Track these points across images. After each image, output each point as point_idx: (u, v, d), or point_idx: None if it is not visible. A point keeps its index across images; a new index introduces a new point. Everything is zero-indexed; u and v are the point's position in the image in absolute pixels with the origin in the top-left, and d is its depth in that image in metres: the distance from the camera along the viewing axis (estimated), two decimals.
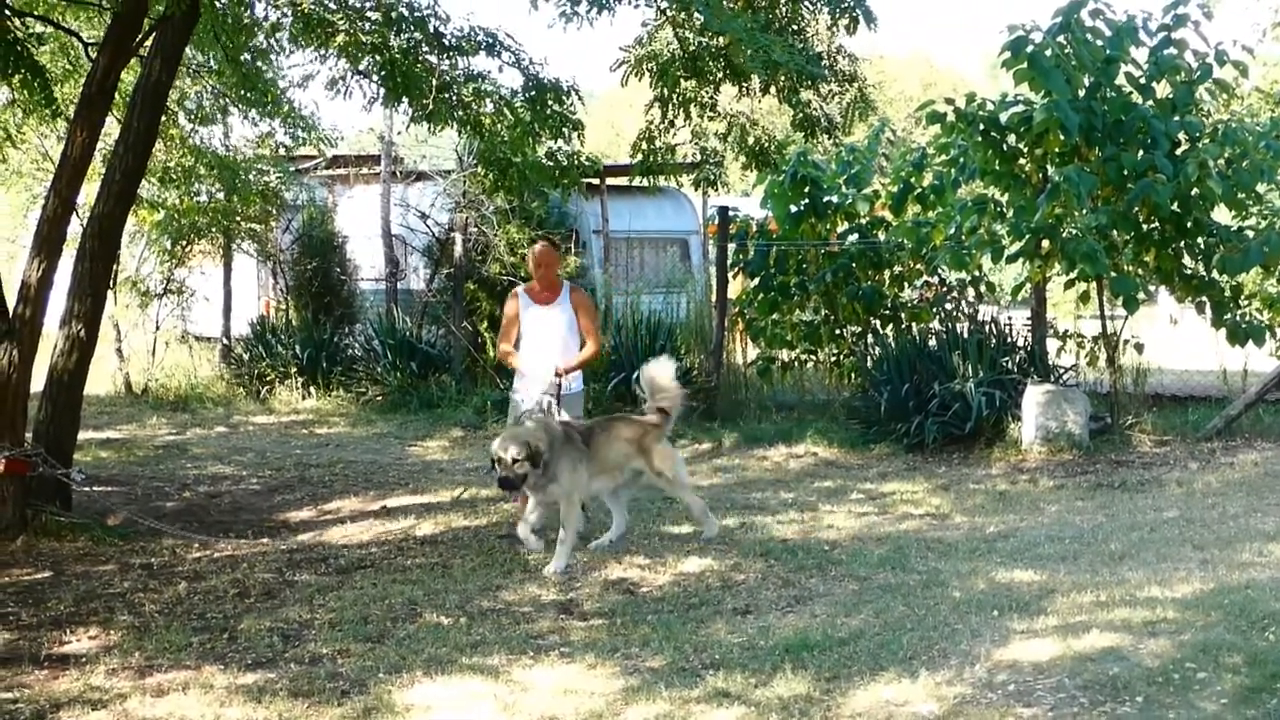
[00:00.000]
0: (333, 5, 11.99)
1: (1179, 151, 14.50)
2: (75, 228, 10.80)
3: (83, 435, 12.20)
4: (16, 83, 11.47)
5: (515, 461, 9.00)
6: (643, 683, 6.81)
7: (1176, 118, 14.64)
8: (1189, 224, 14.79)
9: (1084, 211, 14.16)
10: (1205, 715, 6.19)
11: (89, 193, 11.32)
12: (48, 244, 10.35)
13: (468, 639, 7.63)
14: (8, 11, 10.80)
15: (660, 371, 10.10)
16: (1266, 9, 28.06)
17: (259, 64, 15.20)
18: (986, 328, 16.11)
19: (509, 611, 8.24)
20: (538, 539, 9.55)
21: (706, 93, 15.28)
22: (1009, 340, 15.88)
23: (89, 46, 12.06)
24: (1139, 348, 16.21)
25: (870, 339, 17.10)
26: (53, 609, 8.38)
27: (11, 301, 10.26)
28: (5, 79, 11.17)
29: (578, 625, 7.94)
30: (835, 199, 17.12)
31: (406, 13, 12.09)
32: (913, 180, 16.57)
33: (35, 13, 13.00)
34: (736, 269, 17.80)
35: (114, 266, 11.29)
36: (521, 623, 8.00)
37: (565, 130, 13.13)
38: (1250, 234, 15.05)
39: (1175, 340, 17.57)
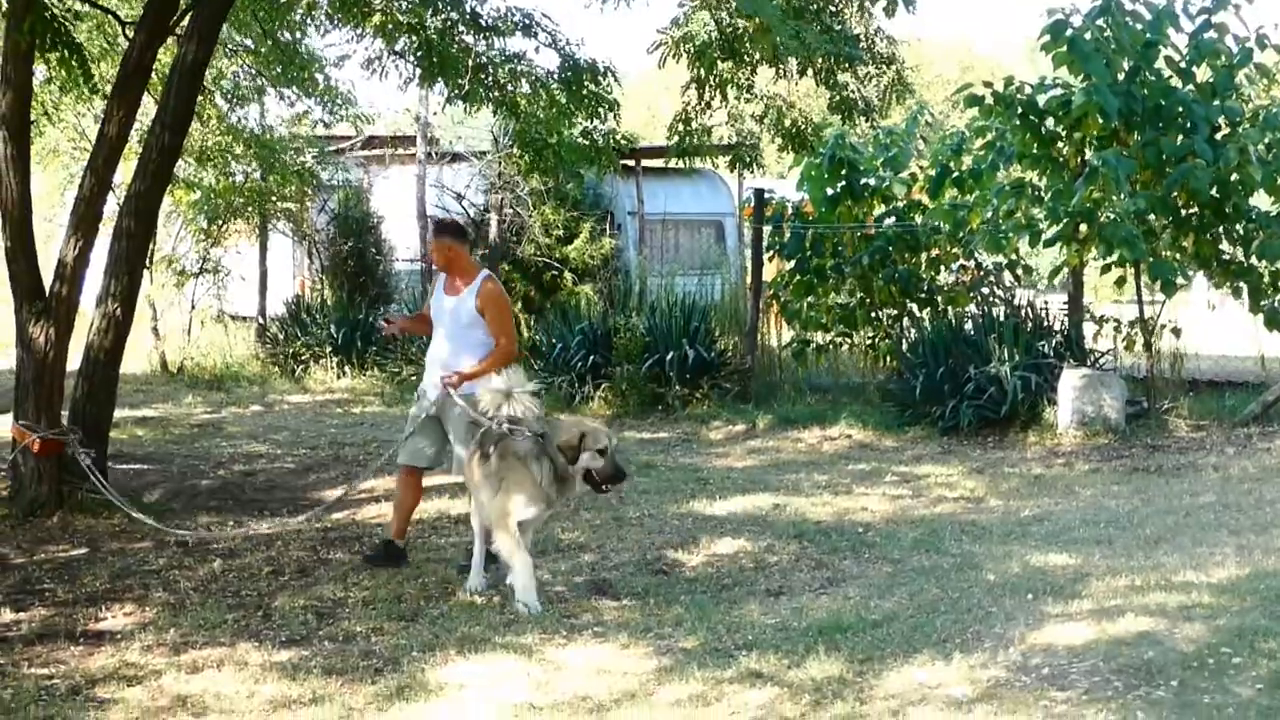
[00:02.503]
0: None
1: (1219, 136, 14.43)
2: (112, 206, 10.82)
3: (119, 414, 12.25)
4: (55, 60, 11.50)
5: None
6: (675, 663, 6.81)
7: (1216, 102, 14.56)
8: (1228, 209, 14.71)
9: (1122, 196, 14.09)
10: (1240, 700, 6.17)
11: (125, 172, 11.34)
12: (84, 223, 10.38)
13: (501, 618, 7.64)
14: None
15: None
16: None
17: (296, 42, 15.21)
18: (1023, 312, 16.07)
19: (543, 591, 8.24)
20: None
21: (743, 75, 15.26)
22: (1045, 324, 15.83)
23: (126, 25, 12.09)
24: (1176, 332, 16.14)
25: (906, 322, 17.07)
26: (88, 585, 8.42)
27: (48, 280, 10.30)
28: (43, 56, 11.18)
29: (611, 605, 7.94)
30: (872, 182, 17.05)
31: None
32: (950, 164, 16.49)
33: None
34: (772, 251, 17.77)
35: (150, 245, 11.33)
36: (555, 602, 8.01)
37: (601, 111, 13.11)
38: None
39: (1212, 326, 17.48)
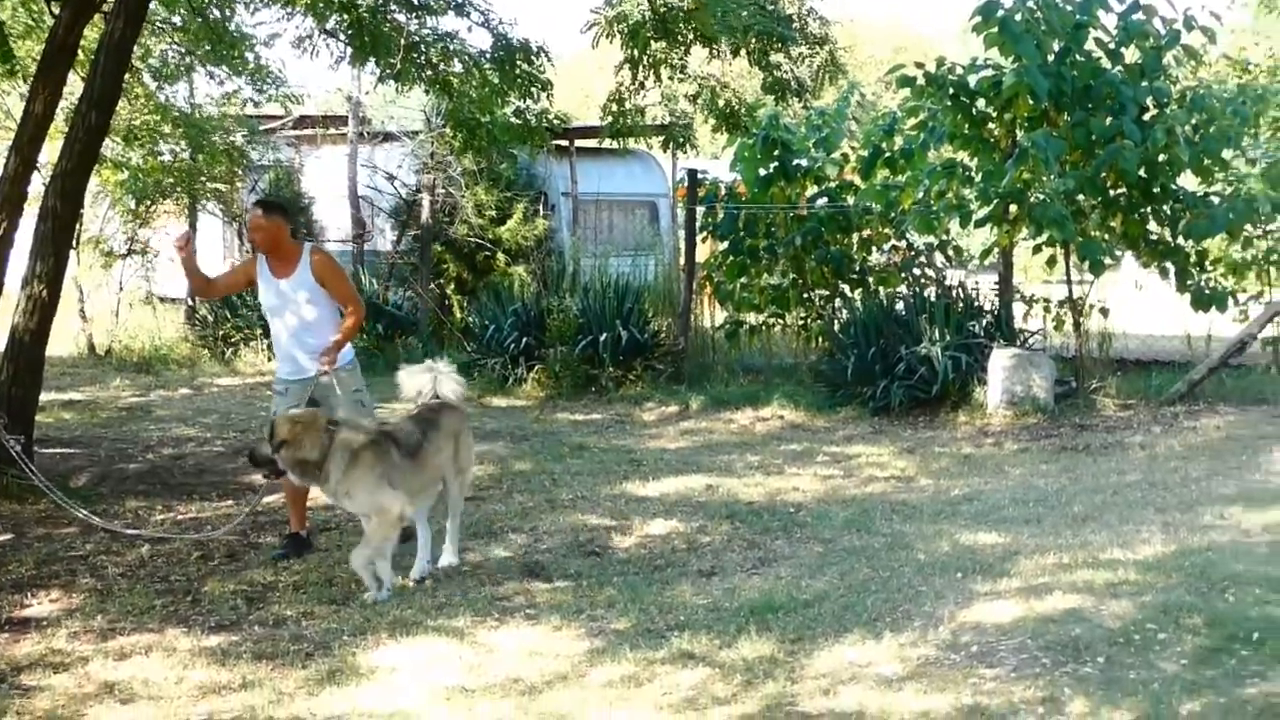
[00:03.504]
0: None
1: (1147, 117, 14.60)
2: (37, 186, 10.71)
3: (45, 397, 12.16)
4: None
5: None
6: (608, 644, 6.84)
7: (1145, 83, 14.72)
8: (1155, 190, 14.90)
9: (1052, 176, 14.22)
10: (1165, 675, 6.24)
11: (51, 151, 11.24)
12: (9, 203, 10.29)
13: (433, 601, 7.65)
14: None
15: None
16: None
17: (225, 20, 15.09)
18: (953, 292, 16.24)
19: (474, 574, 8.26)
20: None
21: (677, 55, 15.26)
22: (976, 304, 15.97)
23: (51, 2, 11.97)
24: (1104, 312, 16.32)
25: (838, 303, 17.17)
26: (13, 572, 8.36)
27: None
28: None
29: (543, 587, 7.96)
30: (804, 163, 17.13)
31: None
32: (882, 144, 16.57)
33: None
34: (705, 232, 17.82)
35: (77, 226, 11.23)
36: (487, 585, 8.03)
37: (534, 90, 13.11)
38: (1216, 200, 15.16)
39: (1140, 305, 17.64)
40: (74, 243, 12.54)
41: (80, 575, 8.28)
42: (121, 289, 22.43)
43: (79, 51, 10.81)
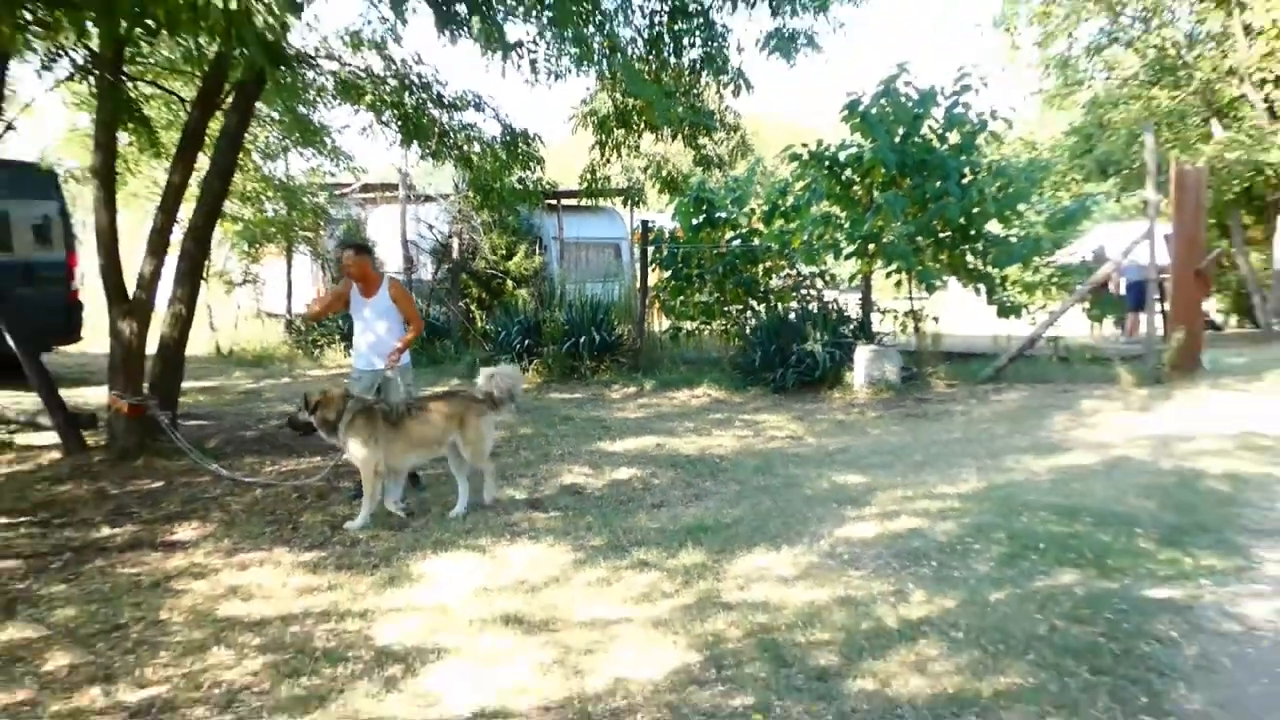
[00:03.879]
0: (362, 73, 11.94)
1: (965, 181, 14.74)
2: (177, 235, 10.71)
3: (185, 385, 12.11)
4: (130, 130, 11.34)
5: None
6: (587, 557, 6.94)
7: (963, 158, 14.92)
8: (971, 233, 15.10)
9: (898, 224, 14.41)
10: (978, 574, 6.37)
11: (186, 210, 11.23)
12: (157, 247, 10.28)
13: (464, 527, 7.73)
14: (124, 76, 10.69)
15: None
16: (1028, 81, 28.35)
17: (310, 115, 15.08)
18: (829, 306, 16.35)
19: (493, 508, 8.30)
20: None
21: (632, 139, 15.29)
22: (845, 314, 16.08)
23: (186, 102, 11.96)
24: (935, 319, 16.52)
25: (748, 314, 17.21)
26: (164, 509, 8.39)
27: (131, 288, 10.20)
28: (124, 126, 11.05)
29: (541, 517, 8.03)
30: (724, 215, 17.18)
31: (416, 80, 12.08)
32: (778, 201, 16.67)
33: (145, 78, 12.90)
34: (654, 264, 17.83)
35: (206, 263, 11.24)
36: (501, 515, 8.10)
37: (531, 164, 13.18)
38: (1014, 240, 15.35)
39: (961, 314, 17.83)
40: (204, 275, 12.52)
41: (212, 511, 8.30)
42: (239, 308, 22.49)
43: (205, 137, 10.79)
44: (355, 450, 7.93)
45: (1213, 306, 26.32)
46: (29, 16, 8.17)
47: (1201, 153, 23.26)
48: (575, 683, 5.02)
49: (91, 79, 10.71)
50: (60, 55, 9.87)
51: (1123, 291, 20.01)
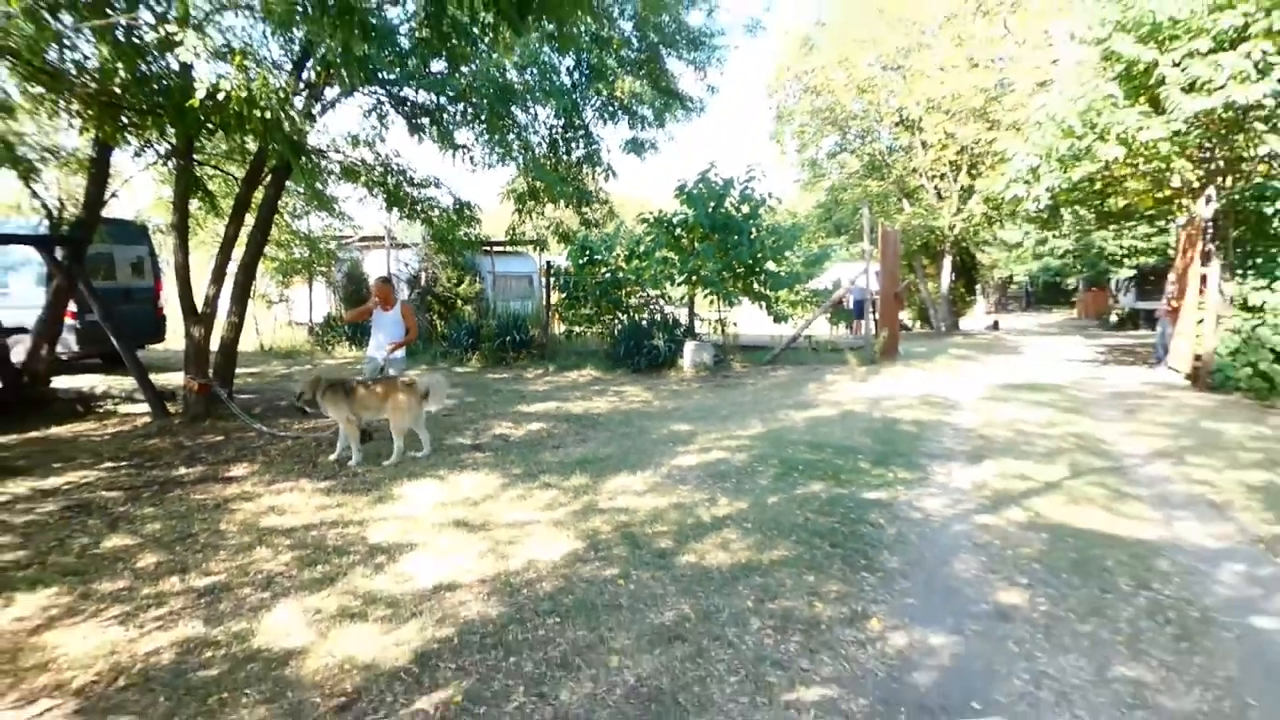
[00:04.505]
0: (358, 162, 11.60)
1: (752, 236, 14.85)
2: (232, 269, 10.25)
3: (238, 370, 11.63)
4: (198, 198, 10.84)
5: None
6: (511, 481, 6.82)
7: (751, 221, 14.99)
8: (756, 269, 15.20)
9: (710, 264, 14.45)
10: (761, 486, 6.45)
11: (238, 252, 10.76)
12: (218, 276, 9.85)
13: (429, 464, 7.53)
14: (194, 161, 10.21)
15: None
16: (791, 174, 28.77)
17: (324, 189, 14.59)
18: (668, 316, 16.35)
19: (449, 449, 8.14)
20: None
21: (539, 208, 15.15)
22: (678, 321, 16.12)
23: (237, 179, 11.46)
24: (735, 324, 16.69)
25: (616, 321, 17.18)
26: (224, 454, 8.01)
27: (200, 304, 9.77)
28: (193, 196, 10.55)
29: (480, 456, 7.86)
30: (600, 256, 17.08)
31: (395, 167, 11.79)
32: (634, 249, 16.63)
33: (209, 163, 12.36)
34: (555, 289, 17.68)
35: (252, 287, 10.82)
36: (454, 455, 7.90)
37: (472, 223, 12.97)
38: (783, 274, 15.51)
39: (751, 321, 18.06)
40: (251, 296, 12.01)
41: (256, 456, 7.95)
42: (275, 319, 21.62)
43: (251, 203, 10.36)
44: (331, 412, 7.70)
45: (906, 316, 27.21)
46: (125, 120, 7.74)
47: (897, 220, 24.02)
48: (502, 564, 4.96)
49: (171, 163, 10.18)
50: (148, 146, 9.35)
51: (850, 306, 20.56)
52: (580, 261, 16.89)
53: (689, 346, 14.82)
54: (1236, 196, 12.34)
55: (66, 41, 7.02)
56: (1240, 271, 12.35)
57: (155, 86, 7.11)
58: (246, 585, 4.67)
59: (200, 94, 6.65)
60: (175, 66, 6.64)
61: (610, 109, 16.15)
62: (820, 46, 25.04)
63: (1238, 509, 5.98)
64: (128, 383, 11.01)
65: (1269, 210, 11.74)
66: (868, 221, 16.70)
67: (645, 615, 4.26)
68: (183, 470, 7.34)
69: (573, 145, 15.99)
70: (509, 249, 20.90)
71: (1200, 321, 12.39)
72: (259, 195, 10.72)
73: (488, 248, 20.44)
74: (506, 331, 16.67)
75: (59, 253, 9.69)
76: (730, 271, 15.01)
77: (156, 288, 14.90)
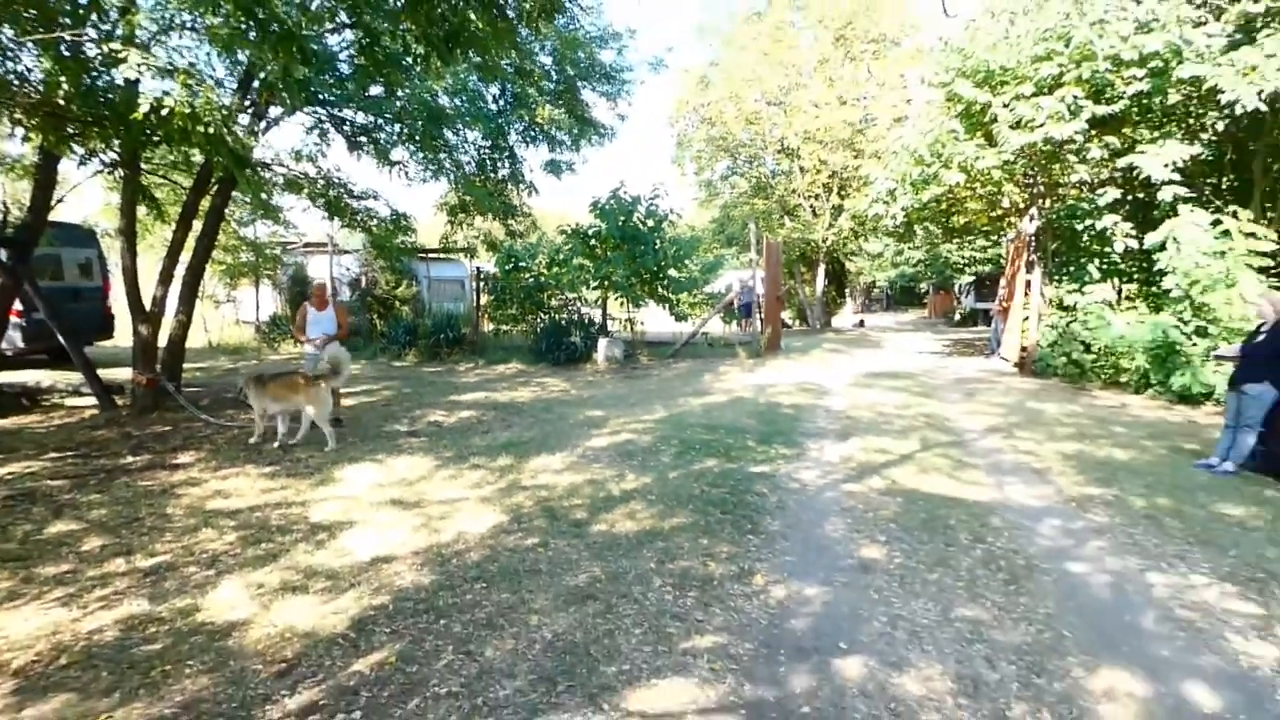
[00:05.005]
0: (301, 175, 11.11)
1: (657, 247, 14.86)
2: (180, 271, 9.67)
3: (186, 366, 11.00)
4: (145, 204, 10.20)
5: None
6: (444, 462, 6.64)
7: (656, 233, 14.98)
8: (661, 276, 15.21)
9: (620, 270, 14.40)
10: (663, 463, 6.44)
11: (187, 255, 10.16)
12: (165, 278, 9.29)
13: (368, 449, 7.26)
14: (141, 170, 9.59)
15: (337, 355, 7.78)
16: (690, 192, 28.95)
17: (269, 199, 13.93)
18: (584, 315, 16.23)
19: (386, 435, 7.88)
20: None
21: (469, 219, 14.86)
22: (593, 320, 16.02)
23: (185, 188, 10.81)
24: (642, 323, 16.66)
25: (539, 320, 16.96)
26: (171, 443, 7.54)
27: (148, 304, 9.20)
28: (139, 203, 9.90)
29: (415, 441, 7.63)
30: (524, 263, 16.81)
31: (336, 180, 11.34)
32: (556, 256, 16.42)
33: (157, 173, 11.63)
34: (484, 292, 17.35)
35: (199, 288, 10.22)
36: (392, 440, 7.65)
37: (408, 232, 12.60)
38: (683, 279, 15.55)
39: (656, 320, 18.10)
40: (199, 296, 11.34)
41: (203, 444, 7.50)
42: (224, 317, 20.54)
43: (198, 210, 9.79)
44: (252, 403, 7.53)
45: (787, 316, 27.77)
46: (70, 131, 7.17)
47: (780, 233, 24.47)
48: (434, 537, 4.82)
49: (118, 172, 9.50)
50: (93, 156, 8.70)
51: (740, 307, 20.84)
52: (507, 268, 16.60)
53: (602, 343, 14.76)
54: (1054, 216, 13.02)
55: (9, 52, 6.47)
56: (1057, 278, 13.04)
57: (101, 99, 6.62)
58: (192, 564, 4.40)
59: (145, 108, 6.23)
60: (120, 81, 6.18)
61: (532, 133, 15.96)
62: (714, 83, 25.27)
63: (1055, 474, 6.30)
64: (74, 377, 10.25)
65: (1079, 227, 12.43)
66: (754, 235, 16.98)
67: (562, 578, 4.20)
68: (129, 459, 6.87)
69: (499, 164, 15.73)
70: (443, 255, 20.41)
71: (1025, 319, 13.04)
72: (206, 203, 10.15)
73: (423, 254, 19.91)
74: (440, 330, 16.24)
75: (3, 254, 8.95)
76: (638, 277, 15.01)
77: (105, 288, 13.92)
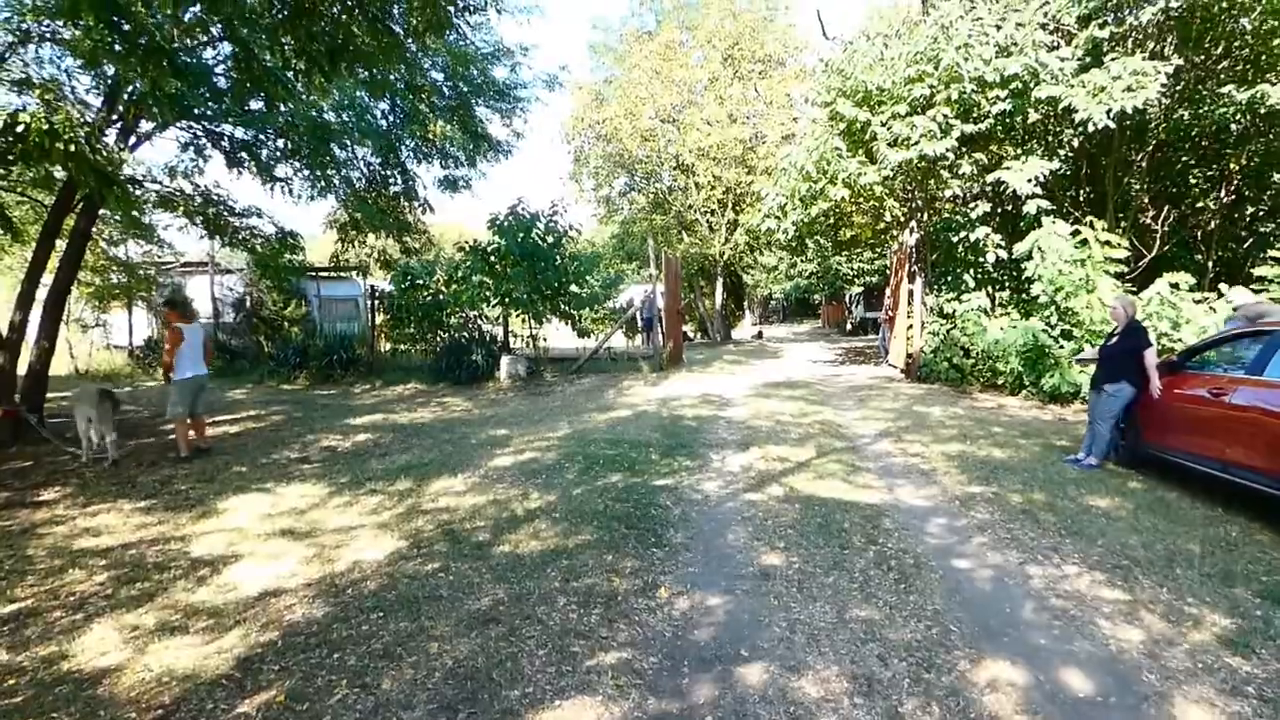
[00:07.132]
0: (176, 192, 10.52)
1: (557, 263, 14.82)
2: (42, 294, 8.97)
3: (50, 395, 10.19)
4: (0, 226, 9.42)
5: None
6: (338, 489, 6.41)
7: (556, 250, 14.94)
8: (563, 291, 15.17)
9: (521, 287, 14.28)
10: (567, 480, 6.43)
11: (48, 278, 9.40)
12: (24, 303, 8.59)
13: (255, 476, 6.92)
14: None
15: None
16: (589, 208, 29.09)
17: (140, 217, 13.09)
18: (485, 333, 16.00)
19: (276, 463, 7.51)
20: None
21: (361, 237, 14.44)
22: (495, 337, 15.82)
23: (46, 206, 10.03)
24: (545, 339, 16.55)
25: (438, 338, 16.60)
26: (33, 479, 6.96)
27: (5, 329, 8.47)
28: None
29: (307, 467, 7.32)
30: (421, 281, 16.44)
31: (215, 197, 10.80)
32: (454, 273, 16.13)
33: (15, 190, 10.74)
34: (380, 311, 16.85)
35: (64, 314, 9.45)
36: (282, 467, 7.32)
37: (296, 251, 12.13)
38: (585, 294, 15.56)
39: (559, 336, 18.04)
40: (64, 320, 10.52)
41: (70, 479, 6.95)
42: (93, 343, 19.10)
43: (62, 229, 9.11)
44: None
45: (688, 329, 28.24)
46: None
47: (678, 248, 24.90)
48: (328, 567, 4.63)
49: None
50: None
51: (641, 321, 21.04)
52: (403, 285, 16.19)
53: (505, 360, 14.58)
54: (932, 228, 13.81)
55: None
56: (937, 287, 13.82)
57: None
58: (57, 608, 4.07)
59: None
60: None
61: (425, 149, 15.68)
62: (610, 100, 25.54)
63: (941, 474, 6.66)
64: None
65: (955, 239, 13.23)
66: (653, 250, 17.24)
67: (464, 603, 4.12)
68: None
69: (391, 181, 15.38)
70: (334, 274, 19.72)
71: (910, 327, 13.74)
72: (70, 222, 9.45)
73: (313, 273, 19.18)
74: (333, 351, 15.66)
75: None
76: (539, 293, 14.92)
77: None
